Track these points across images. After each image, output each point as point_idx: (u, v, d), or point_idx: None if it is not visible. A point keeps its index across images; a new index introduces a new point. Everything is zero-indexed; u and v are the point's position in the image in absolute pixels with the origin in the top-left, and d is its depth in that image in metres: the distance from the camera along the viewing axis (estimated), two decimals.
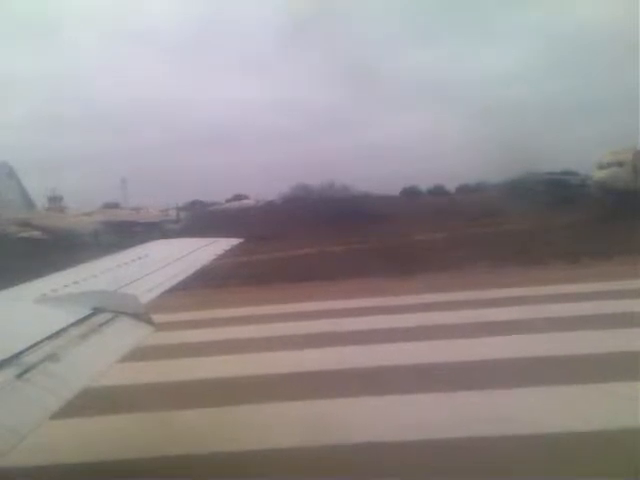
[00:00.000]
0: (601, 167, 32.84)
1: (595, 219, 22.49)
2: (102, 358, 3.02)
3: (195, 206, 52.05)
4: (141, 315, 3.57)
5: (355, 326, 10.39)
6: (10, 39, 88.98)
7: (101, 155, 74.11)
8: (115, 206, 52.67)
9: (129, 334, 3.38)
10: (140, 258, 5.50)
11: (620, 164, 32.00)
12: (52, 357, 2.68)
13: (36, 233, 37.91)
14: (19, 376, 2.41)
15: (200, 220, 38.53)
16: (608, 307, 9.94)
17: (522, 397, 6.32)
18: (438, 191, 54.26)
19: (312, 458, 5.24)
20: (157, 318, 3.66)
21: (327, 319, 11.24)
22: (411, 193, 52.61)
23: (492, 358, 7.77)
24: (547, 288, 12.52)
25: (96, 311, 3.44)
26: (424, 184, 55.45)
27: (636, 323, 8.47)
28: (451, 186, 55.76)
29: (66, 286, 4.01)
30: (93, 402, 4.74)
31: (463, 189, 52.49)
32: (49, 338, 2.89)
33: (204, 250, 6.31)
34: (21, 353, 2.61)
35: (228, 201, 53.45)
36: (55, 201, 50.63)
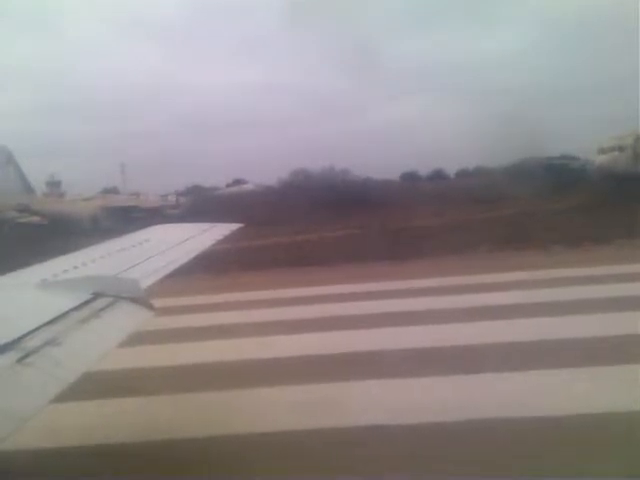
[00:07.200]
0: (602, 151, 32.76)
1: (596, 203, 22.43)
2: (102, 342, 3.03)
3: (195, 191, 51.89)
4: (141, 300, 3.58)
5: (355, 310, 10.42)
6: (10, 26, 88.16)
7: (100, 140, 73.83)
8: (114, 191, 52.58)
9: (129, 318, 3.39)
10: (140, 243, 5.50)
11: (621, 149, 31.93)
12: (53, 341, 2.69)
13: (35, 218, 37.90)
14: (20, 360, 2.42)
15: (200, 205, 38.39)
16: (608, 291, 9.95)
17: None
18: (437, 176, 54.13)
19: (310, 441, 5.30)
20: (157, 303, 3.67)
21: (327, 304, 11.26)
22: (411, 178, 52.47)
23: (500, 342, 7.80)
24: (547, 272, 12.54)
25: (96, 296, 3.45)
26: (423, 169, 55.37)
27: (637, 307, 8.48)
28: (450, 171, 55.69)
29: (66, 271, 4.01)
30: (93, 386, 4.77)
31: (462, 174, 52.36)
32: (50, 323, 2.89)
33: (204, 235, 6.30)
34: (22, 337, 2.62)
35: (228, 186, 53.30)
36: (54, 186, 50.55)
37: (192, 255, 5.24)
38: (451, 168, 55.49)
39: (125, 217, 36.62)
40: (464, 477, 4.51)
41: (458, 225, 22.04)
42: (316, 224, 25.39)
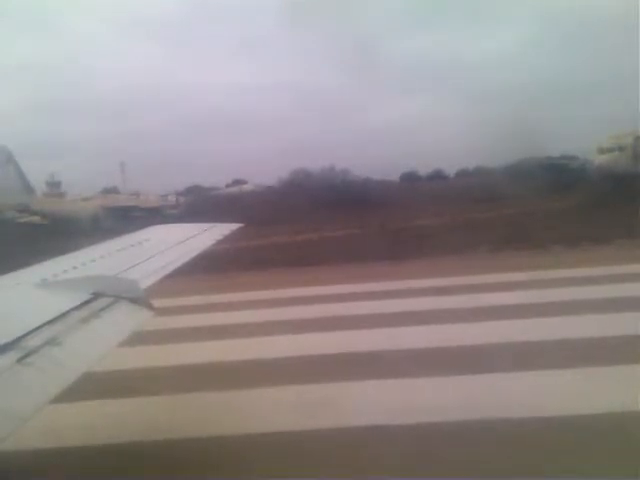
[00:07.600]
0: (602, 151, 32.88)
1: (595, 203, 22.46)
2: (102, 342, 3.03)
3: (194, 191, 51.91)
4: (141, 300, 3.58)
5: (356, 310, 10.40)
6: (10, 26, 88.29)
7: (100, 140, 73.85)
8: (114, 191, 52.60)
9: (129, 319, 3.38)
10: (139, 243, 5.50)
11: (621, 148, 32.02)
12: (53, 341, 2.69)
13: (35, 218, 37.93)
14: (20, 360, 2.42)
15: (199, 205, 38.44)
16: (608, 291, 9.94)
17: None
18: (437, 176, 54.24)
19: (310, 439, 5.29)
20: (156, 303, 3.67)
21: (327, 304, 11.25)
22: (410, 178, 52.55)
23: (500, 342, 7.79)
24: (547, 272, 12.52)
25: (96, 296, 3.44)
26: (423, 169, 55.48)
27: (636, 307, 8.48)
28: (450, 171, 55.79)
29: (66, 271, 4.01)
30: (93, 386, 4.77)
31: (462, 174, 52.43)
32: (50, 322, 2.89)
33: (203, 235, 6.29)
34: (22, 337, 2.61)
35: (227, 186, 53.36)
36: (54, 186, 50.57)
37: (192, 255, 5.23)
38: (451, 168, 55.63)
39: (125, 217, 36.67)
40: (464, 477, 4.51)
41: (458, 225, 22.05)
42: (316, 224, 25.41)
